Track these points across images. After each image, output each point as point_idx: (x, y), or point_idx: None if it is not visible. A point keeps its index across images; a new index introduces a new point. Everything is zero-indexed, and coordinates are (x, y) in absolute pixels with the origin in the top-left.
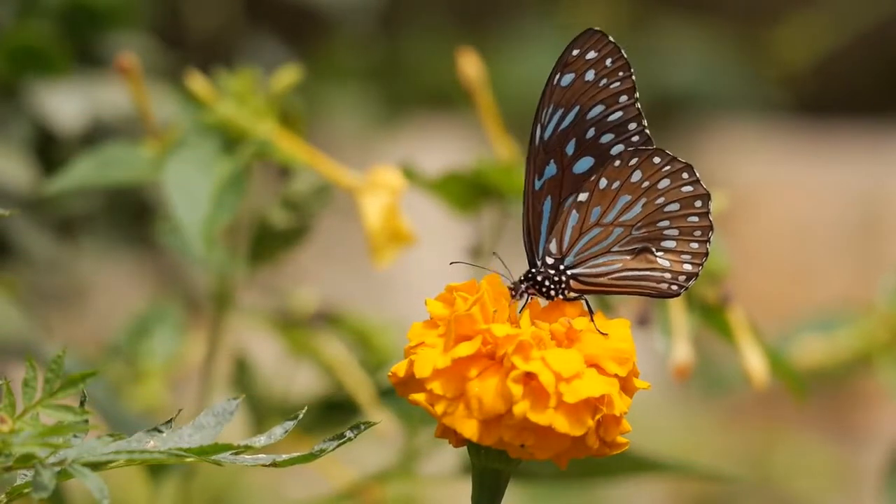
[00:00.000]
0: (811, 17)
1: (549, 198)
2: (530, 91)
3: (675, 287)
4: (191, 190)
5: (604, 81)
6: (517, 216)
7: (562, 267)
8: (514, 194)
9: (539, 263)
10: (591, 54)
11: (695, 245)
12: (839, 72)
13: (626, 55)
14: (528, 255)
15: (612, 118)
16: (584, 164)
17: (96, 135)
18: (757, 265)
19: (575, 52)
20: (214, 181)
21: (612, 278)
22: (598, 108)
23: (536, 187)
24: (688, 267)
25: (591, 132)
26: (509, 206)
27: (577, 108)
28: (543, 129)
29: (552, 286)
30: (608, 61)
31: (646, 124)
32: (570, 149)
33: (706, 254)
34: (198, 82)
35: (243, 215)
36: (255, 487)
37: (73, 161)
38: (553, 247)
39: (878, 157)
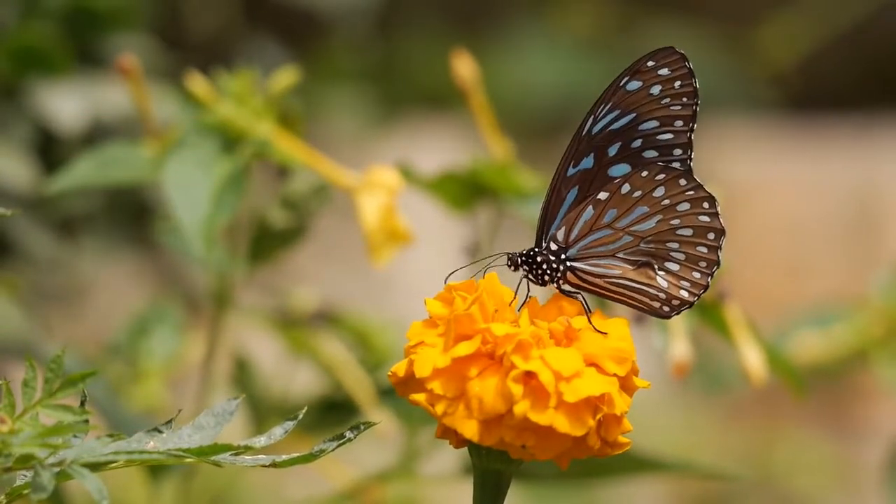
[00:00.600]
0: (794, 16)
1: (576, 188)
2: (523, 91)
3: (666, 309)
4: (191, 190)
5: (667, 100)
6: (512, 215)
7: (563, 256)
8: (509, 193)
9: (543, 246)
10: (664, 71)
11: (697, 275)
12: (824, 69)
13: (696, 84)
14: (536, 234)
15: (661, 137)
16: (621, 169)
17: (97, 135)
18: (750, 262)
19: (650, 64)
20: (214, 181)
21: (609, 282)
22: (653, 124)
23: (568, 174)
24: (684, 294)
25: (637, 143)
26: (505, 205)
27: (633, 115)
28: (595, 123)
29: (548, 271)
30: (677, 83)
31: (692, 155)
32: (612, 150)
33: (706, 287)
34: (197, 83)
35: (242, 215)
36: (255, 487)
37: (73, 161)
38: (560, 235)
39: (868, 153)
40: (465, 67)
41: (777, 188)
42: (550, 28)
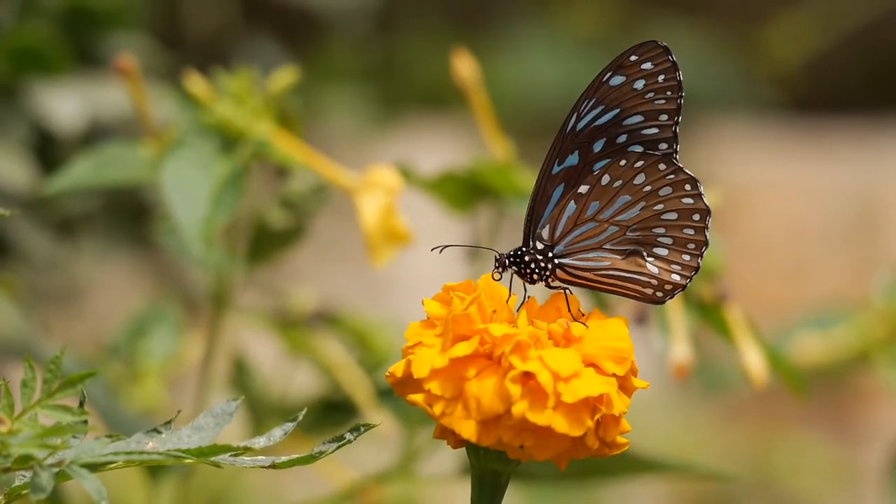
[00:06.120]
0: (801, 16)
1: (562, 185)
2: (524, 91)
3: (659, 294)
4: (189, 190)
5: (650, 95)
6: (513, 216)
7: (550, 254)
8: (509, 194)
9: (530, 245)
10: (647, 65)
11: (686, 257)
12: (829, 70)
13: (680, 77)
14: (523, 233)
15: (646, 132)
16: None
17: (95, 135)
18: (752, 263)
19: (632, 58)
20: (213, 181)
21: (599, 274)
22: (637, 118)
23: (553, 171)
24: (676, 277)
25: (622, 138)
26: (505, 205)
27: (617, 110)
28: (579, 119)
29: (536, 269)
30: (661, 77)
31: (677, 148)
32: (597, 146)
33: (697, 268)
34: (196, 83)
35: (241, 215)
36: (253, 488)
37: (72, 161)
38: (545, 233)
39: (871, 155)
40: (465, 67)
41: (779, 189)
42: (552, 27)
